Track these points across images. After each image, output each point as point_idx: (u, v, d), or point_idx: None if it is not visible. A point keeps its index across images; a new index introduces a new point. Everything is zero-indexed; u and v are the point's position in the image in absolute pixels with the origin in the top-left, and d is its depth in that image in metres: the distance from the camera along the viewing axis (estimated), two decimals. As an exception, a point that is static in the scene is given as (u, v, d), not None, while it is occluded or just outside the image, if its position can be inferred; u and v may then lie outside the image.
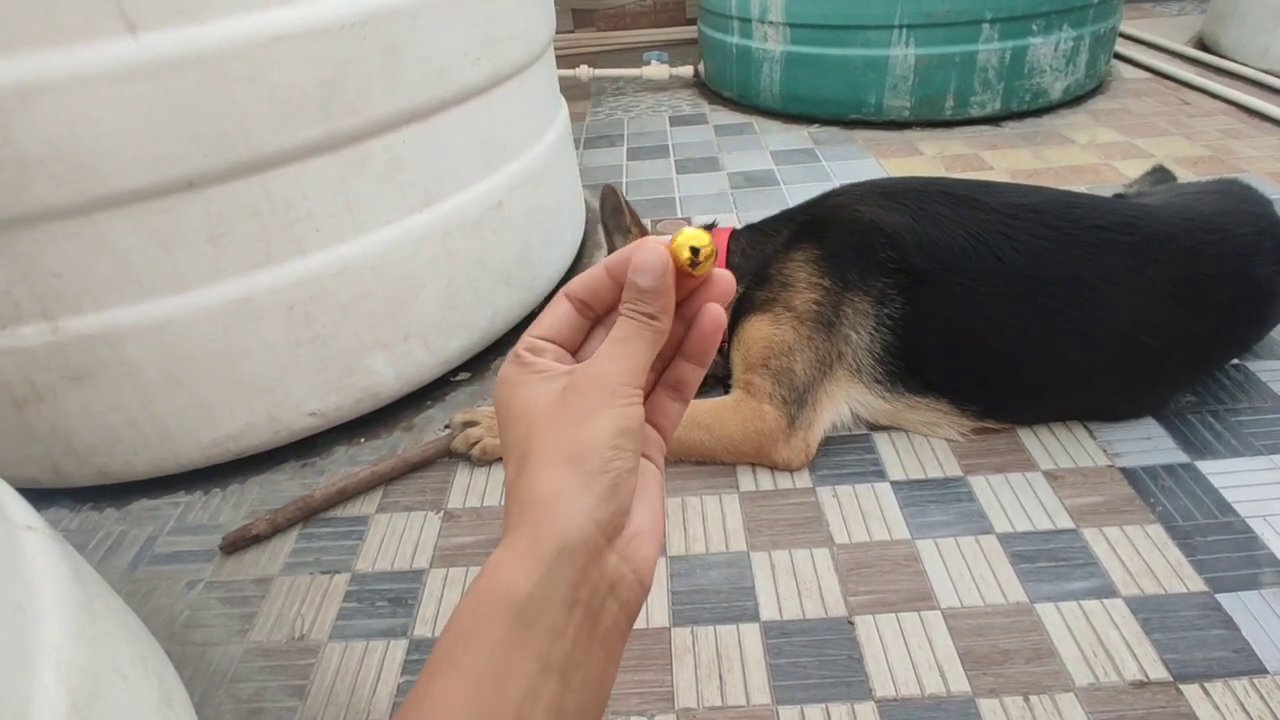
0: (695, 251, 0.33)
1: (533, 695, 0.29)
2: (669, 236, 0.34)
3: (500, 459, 0.96)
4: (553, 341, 0.36)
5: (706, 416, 0.96)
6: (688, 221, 1.61)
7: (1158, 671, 0.70)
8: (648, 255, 0.33)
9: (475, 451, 1.01)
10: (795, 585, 0.81)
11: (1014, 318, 0.90)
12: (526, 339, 0.36)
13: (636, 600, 0.33)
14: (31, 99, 0.73)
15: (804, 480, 0.94)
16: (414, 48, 0.92)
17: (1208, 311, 0.91)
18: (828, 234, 0.96)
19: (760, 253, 1.03)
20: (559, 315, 0.36)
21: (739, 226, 1.09)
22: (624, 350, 0.33)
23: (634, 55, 2.72)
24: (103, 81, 0.75)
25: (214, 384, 0.94)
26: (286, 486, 1.00)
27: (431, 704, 0.28)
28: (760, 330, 0.96)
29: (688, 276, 0.34)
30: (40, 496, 1.01)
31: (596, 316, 0.37)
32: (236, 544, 0.92)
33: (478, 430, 1.02)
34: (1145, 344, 0.90)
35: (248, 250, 0.89)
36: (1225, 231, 0.90)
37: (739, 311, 1.00)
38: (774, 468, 0.95)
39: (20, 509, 0.61)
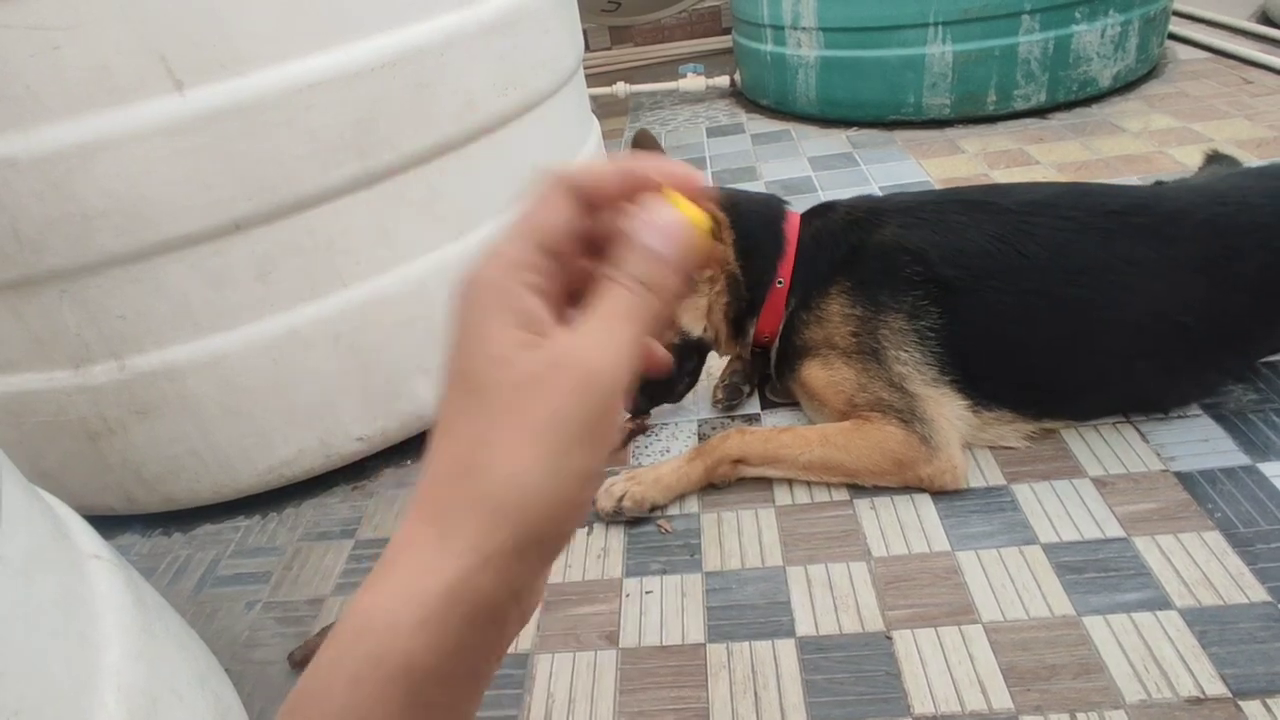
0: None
1: None
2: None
3: (655, 506, 0.93)
4: (551, 252, 0.26)
5: (839, 436, 0.92)
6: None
7: (1215, 687, 0.67)
8: (672, 216, 0.25)
9: (628, 504, 0.92)
10: (832, 600, 0.81)
11: (1047, 312, 0.90)
12: (527, 247, 0.26)
13: (531, 609, 0.26)
14: (92, 157, 0.79)
15: (841, 493, 0.93)
16: (442, 83, 0.96)
17: (1240, 286, 0.89)
18: (856, 264, 0.96)
19: (814, 272, 1.00)
20: (559, 218, 0.26)
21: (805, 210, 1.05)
22: (621, 333, 0.24)
23: (672, 68, 2.73)
24: (155, 136, 0.80)
25: (267, 413, 0.99)
26: (338, 509, 1.04)
27: None
28: (816, 376, 0.96)
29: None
30: (116, 523, 1.08)
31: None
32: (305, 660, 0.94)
33: (620, 484, 0.94)
34: (1182, 323, 0.89)
35: (294, 285, 0.94)
36: (1241, 203, 0.89)
37: (790, 340, 1.00)
38: (925, 486, 0.90)
39: (88, 538, 0.66)
